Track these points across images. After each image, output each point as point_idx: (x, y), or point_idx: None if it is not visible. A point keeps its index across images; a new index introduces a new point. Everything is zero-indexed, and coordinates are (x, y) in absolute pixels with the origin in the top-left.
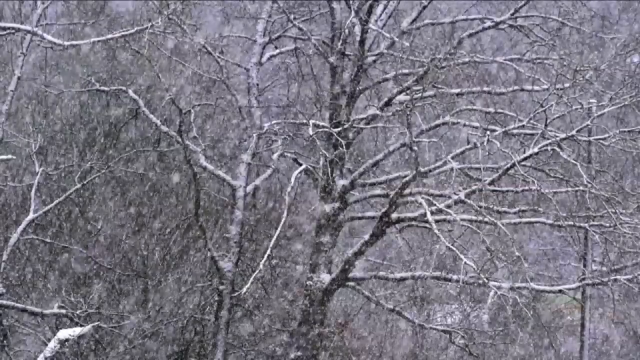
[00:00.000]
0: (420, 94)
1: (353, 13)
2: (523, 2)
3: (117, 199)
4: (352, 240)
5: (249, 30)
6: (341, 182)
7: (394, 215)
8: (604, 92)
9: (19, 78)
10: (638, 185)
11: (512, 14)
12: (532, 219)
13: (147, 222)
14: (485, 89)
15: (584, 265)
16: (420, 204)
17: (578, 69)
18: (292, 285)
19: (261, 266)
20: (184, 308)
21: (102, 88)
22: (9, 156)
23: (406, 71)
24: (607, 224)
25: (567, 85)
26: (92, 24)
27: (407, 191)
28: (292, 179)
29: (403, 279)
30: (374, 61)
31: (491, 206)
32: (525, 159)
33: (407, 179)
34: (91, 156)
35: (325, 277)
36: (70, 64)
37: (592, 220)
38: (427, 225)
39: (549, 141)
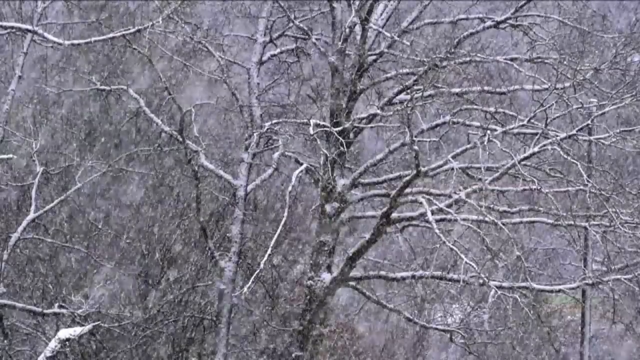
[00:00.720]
0: (420, 94)
1: (354, 12)
2: (523, 2)
3: (118, 199)
4: (353, 240)
5: (250, 29)
6: (342, 182)
7: (395, 215)
8: (604, 92)
9: (19, 77)
10: (638, 185)
11: (513, 14)
12: (533, 219)
13: (148, 221)
14: (486, 88)
15: (584, 265)
16: (421, 203)
17: (578, 68)
18: (292, 285)
19: (262, 265)
20: (185, 308)
21: (103, 87)
22: (10, 155)
23: (407, 70)
24: (607, 224)
25: (567, 84)
26: (93, 24)
27: (407, 190)
28: (293, 179)
29: (403, 279)
30: (375, 60)
31: (492, 206)
32: (525, 158)
33: (407, 178)
34: (92, 156)
35: (326, 277)
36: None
37: (593, 219)
38: (428, 224)
39: (550, 141)
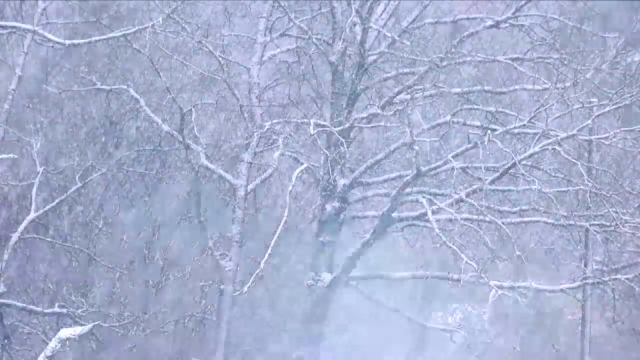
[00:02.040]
0: (421, 93)
1: (354, 12)
2: (524, 2)
3: (118, 198)
4: (353, 240)
5: (250, 29)
6: (342, 181)
7: (395, 215)
8: (604, 92)
9: (20, 77)
10: (638, 185)
11: (513, 13)
12: (533, 219)
13: (148, 221)
14: (486, 88)
15: (585, 265)
16: (421, 203)
17: (578, 68)
18: (293, 285)
19: (262, 265)
20: (185, 307)
21: (103, 87)
22: (10, 155)
23: (407, 70)
24: (608, 224)
25: (567, 84)
26: (93, 23)
27: (408, 190)
28: (293, 178)
29: (403, 279)
30: (375, 60)
31: (492, 205)
32: (526, 158)
33: (408, 178)
34: (92, 155)
35: (327, 277)
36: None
37: (593, 219)
38: (428, 224)
39: (550, 140)
